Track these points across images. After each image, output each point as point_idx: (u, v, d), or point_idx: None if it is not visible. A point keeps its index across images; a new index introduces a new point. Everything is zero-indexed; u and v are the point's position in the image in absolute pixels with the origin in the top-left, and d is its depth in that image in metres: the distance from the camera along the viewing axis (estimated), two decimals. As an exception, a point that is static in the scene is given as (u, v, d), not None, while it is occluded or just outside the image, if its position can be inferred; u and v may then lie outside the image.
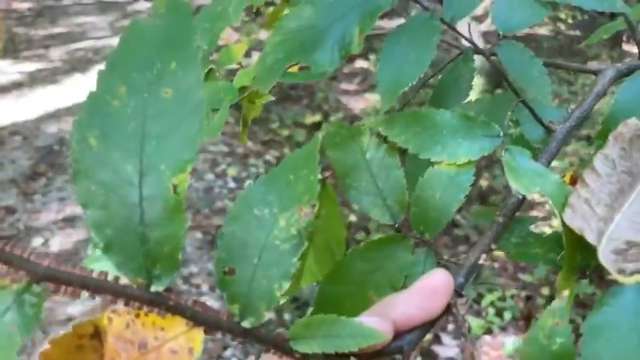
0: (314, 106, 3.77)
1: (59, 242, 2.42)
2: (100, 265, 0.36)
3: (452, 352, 1.84)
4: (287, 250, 0.29)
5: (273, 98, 0.63)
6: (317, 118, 3.59)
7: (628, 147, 0.39)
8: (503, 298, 2.02)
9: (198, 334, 0.28)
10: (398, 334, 0.34)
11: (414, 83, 0.37)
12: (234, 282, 0.29)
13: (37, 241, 2.41)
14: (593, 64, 0.51)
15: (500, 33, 0.43)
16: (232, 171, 3.02)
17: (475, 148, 0.39)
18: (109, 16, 6.48)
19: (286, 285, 0.29)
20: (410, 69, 0.37)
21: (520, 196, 0.38)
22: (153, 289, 0.27)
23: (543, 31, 5.20)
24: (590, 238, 0.36)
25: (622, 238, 0.36)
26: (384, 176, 0.40)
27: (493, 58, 0.45)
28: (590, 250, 0.36)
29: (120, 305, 0.27)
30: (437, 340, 1.85)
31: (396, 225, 0.39)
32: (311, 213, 0.29)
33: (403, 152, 0.41)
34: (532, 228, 0.44)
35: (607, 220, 0.37)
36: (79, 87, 4.01)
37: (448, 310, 0.35)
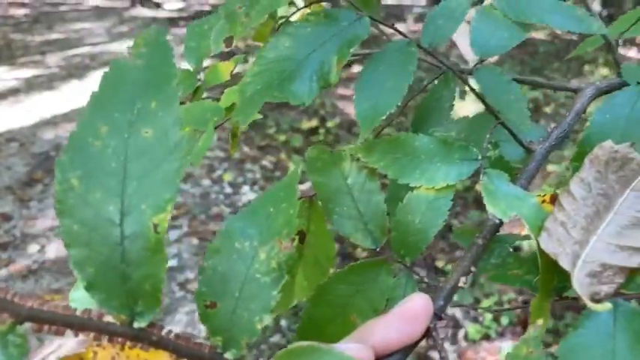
0: (311, 111, 3.78)
1: (55, 249, 2.42)
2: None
3: (449, 358, 1.85)
4: (267, 283, 0.30)
5: (261, 116, 0.63)
6: (314, 123, 3.60)
7: (604, 170, 0.40)
8: (500, 304, 2.04)
9: (181, 366, 0.28)
10: (378, 359, 0.34)
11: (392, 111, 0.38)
12: (216, 315, 0.30)
13: (33, 248, 2.42)
14: (573, 83, 0.52)
15: (478, 57, 0.44)
16: (228, 176, 3.02)
17: (453, 172, 0.40)
18: (105, 22, 6.49)
19: (267, 318, 0.29)
20: (387, 97, 0.37)
21: (497, 220, 0.39)
22: (136, 325, 0.27)
23: (540, 35, 5.22)
24: (565, 263, 0.36)
25: (597, 260, 0.37)
26: (365, 201, 0.40)
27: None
28: (566, 273, 0.37)
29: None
30: (434, 345, 1.85)
31: (378, 249, 0.40)
32: (290, 246, 0.30)
33: (385, 176, 0.42)
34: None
35: (583, 243, 0.38)
36: (76, 93, 4.01)
37: (428, 333, 0.36)
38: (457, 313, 2.03)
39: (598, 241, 0.38)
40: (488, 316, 2.00)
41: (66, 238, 0.27)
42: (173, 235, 2.55)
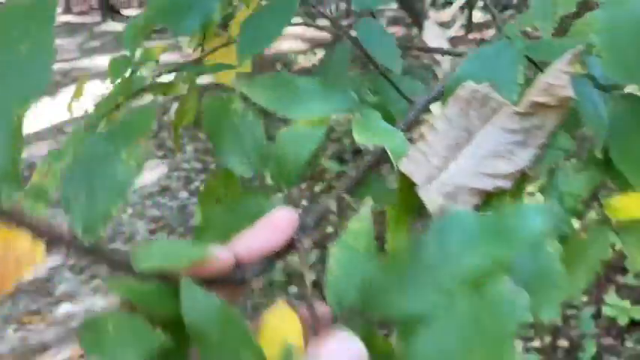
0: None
1: (32, 270, 2.41)
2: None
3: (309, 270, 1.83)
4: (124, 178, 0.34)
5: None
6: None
7: (465, 107, 0.44)
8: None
9: (40, 246, 0.32)
10: (242, 265, 0.37)
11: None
12: (77, 206, 0.33)
13: (8, 265, 2.41)
14: (460, 48, 0.56)
15: (356, 10, 0.48)
16: (206, 189, 3.04)
17: (329, 107, 0.44)
18: (77, 37, 6.40)
19: (121, 201, 0.33)
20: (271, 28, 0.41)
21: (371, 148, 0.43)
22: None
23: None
24: (417, 178, 0.40)
25: (453, 183, 0.41)
26: (249, 137, 0.44)
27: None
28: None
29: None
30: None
31: (255, 177, 0.44)
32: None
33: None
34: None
35: (440, 169, 0.41)
36: (48, 111, 3.85)
37: (292, 244, 0.39)
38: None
39: (456, 167, 0.42)
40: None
41: None
42: (152, 248, 2.55)
